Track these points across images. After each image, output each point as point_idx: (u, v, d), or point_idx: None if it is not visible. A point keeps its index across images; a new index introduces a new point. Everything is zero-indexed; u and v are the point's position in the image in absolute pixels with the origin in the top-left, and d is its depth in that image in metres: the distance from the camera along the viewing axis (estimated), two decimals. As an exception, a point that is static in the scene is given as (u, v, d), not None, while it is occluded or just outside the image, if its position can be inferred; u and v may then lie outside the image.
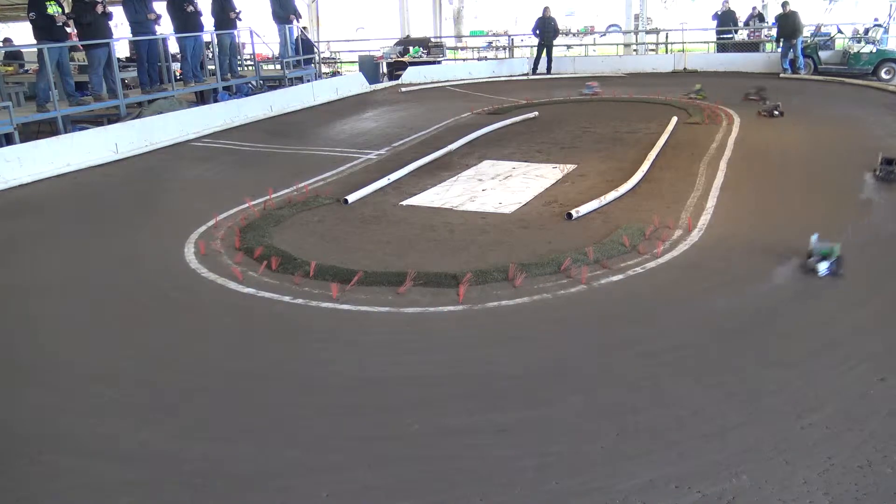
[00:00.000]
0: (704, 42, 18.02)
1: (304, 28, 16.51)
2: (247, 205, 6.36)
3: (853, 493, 2.44)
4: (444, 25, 23.98)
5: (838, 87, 12.85)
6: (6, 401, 3.30)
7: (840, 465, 2.57)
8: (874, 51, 14.26)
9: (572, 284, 4.38)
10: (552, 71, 16.24)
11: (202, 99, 12.22)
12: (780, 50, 14.61)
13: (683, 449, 2.73)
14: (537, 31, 15.98)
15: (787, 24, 13.96)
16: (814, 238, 4.47)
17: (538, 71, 16.33)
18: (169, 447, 2.88)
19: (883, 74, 13.74)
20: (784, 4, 14.06)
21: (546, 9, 15.82)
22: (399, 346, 3.74)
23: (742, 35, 17.50)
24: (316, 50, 15.95)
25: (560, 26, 17.31)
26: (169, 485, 2.65)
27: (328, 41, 22.42)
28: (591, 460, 2.69)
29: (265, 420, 3.07)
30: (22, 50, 14.21)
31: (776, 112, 10.05)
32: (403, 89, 14.73)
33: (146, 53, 10.94)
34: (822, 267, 4.32)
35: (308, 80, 13.78)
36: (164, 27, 12.40)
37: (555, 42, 16.41)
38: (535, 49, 16.53)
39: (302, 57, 14.23)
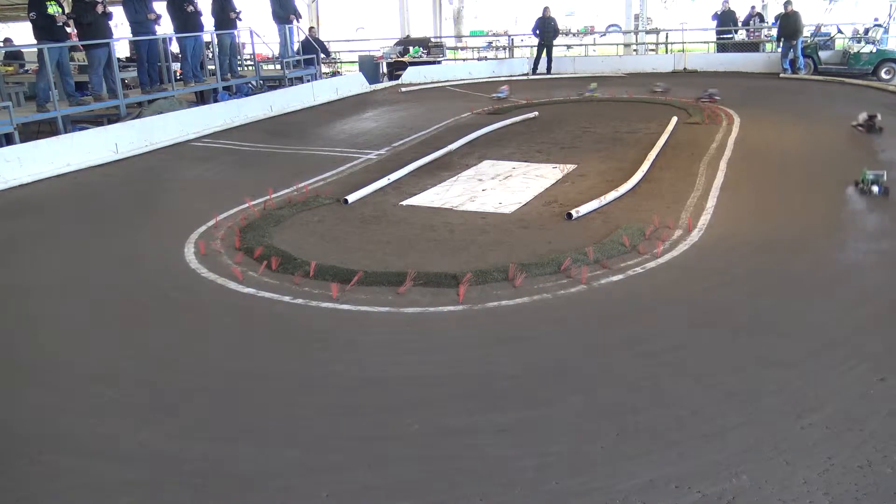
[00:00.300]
0: (704, 42, 18.02)
1: (312, 27, 16.40)
2: (247, 205, 6.36)
3: (853, 493, 2.44)
4: (444, 25, 23.96)
5: (838, 87, 12.84)
6: (6, 401, 3.30)
7: (840, 465, 2.57)
8: (874, 51, 14.25)
9: (572, 284, 4.38)
10: (552, 71, 16.25)
11: (202, 99, 12.21)
12: (780, 50, 14.61)
13: (683, 449, 2.73)
14: (537, 31, 15.98)
15: (789, 25, 13.94)
16: (865, 169, 5.83)
17: (538, 71, 16.34)
18: (169, 447, 2.88)
19: (883, 74, 13.73)
20: (786, 4, 14.03)
21: (546, 9, 15.81)
22: (399, 346, 3.73)
23: (742, 35, 17.49)
24: (326, 50, 15.94)
25: (560, 26, 17.31)
26: (169, 485, 2.65)
27: (328, 41, 22.40)
28: (591, 460, 2.69)
29: (265, 420, 3.07)
30: (22, 50, 14.19)
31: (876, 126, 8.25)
32: (403, 89, 14.72)
33: (146, 53, 10.94)
34: (875, 189, 5.74)
35: (308, 80, 13.77)
36: (164, 27, 12.40)
37: (555, 42, 16.42)
38: (535, 49, 16.54)
39: (302, 57, 14.23)
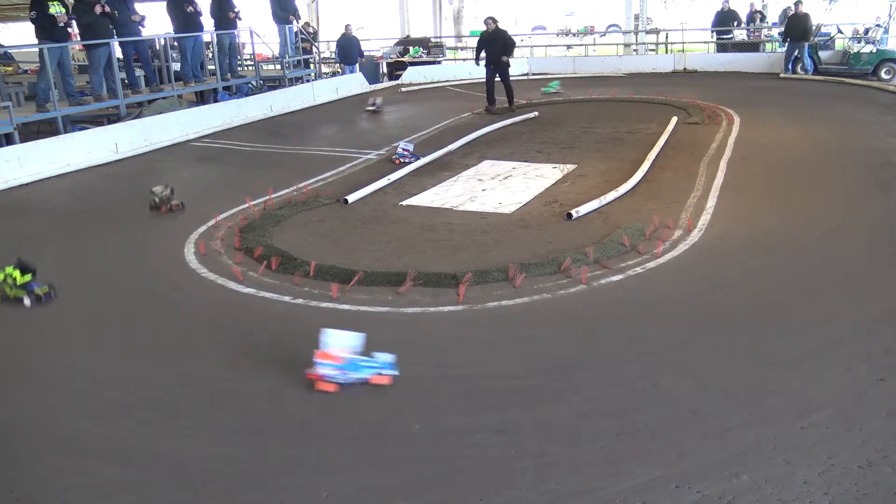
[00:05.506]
0: (704, 42, 18.02)
1: (348, 25, 15.86)
2: (247, 205, 6.36)
3: (853, 493, 2.44)
4: (444, 25, 23.97)
5: (838, 87, 12.84)
6: (6, 401, 3.30)
7: (840, 465, 2.57)
8: (874, 51, 14.24)
9: (572, 284, 4.38)
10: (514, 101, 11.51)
11: (202, 99, 12.22)
12: (782, 49, 14.52)
13: (683, 449, 2.73)
14: (480, 54, 11.50)
15: (798, 26, 13.70)
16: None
17: (496, 106, 11.39)
18: (169, 447, 2.88)
19: (883, 74, 13.73)
20: (796, 4, 13.78)
21: (491, 20, 11.24)
22: (399, 346, 3.73)
23: (742, 35, 17.47)
24: (360, 50, 15.93)
25: (560, 27, 17.14)
26: (169, 485, 2.65)
27: (328, 41, 22.42)
28: (591, 460, 2.69)
29: (265, 420, 3.07)
30: (11, 52, 14.00)
31: None
32: (403, 89, 14.73)
33: (132, 53, 10.86)
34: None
35: (307, 80, 13.77)
36: (164, 27, 12.38)
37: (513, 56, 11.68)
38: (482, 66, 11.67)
39: (301, 57, 14.24)
